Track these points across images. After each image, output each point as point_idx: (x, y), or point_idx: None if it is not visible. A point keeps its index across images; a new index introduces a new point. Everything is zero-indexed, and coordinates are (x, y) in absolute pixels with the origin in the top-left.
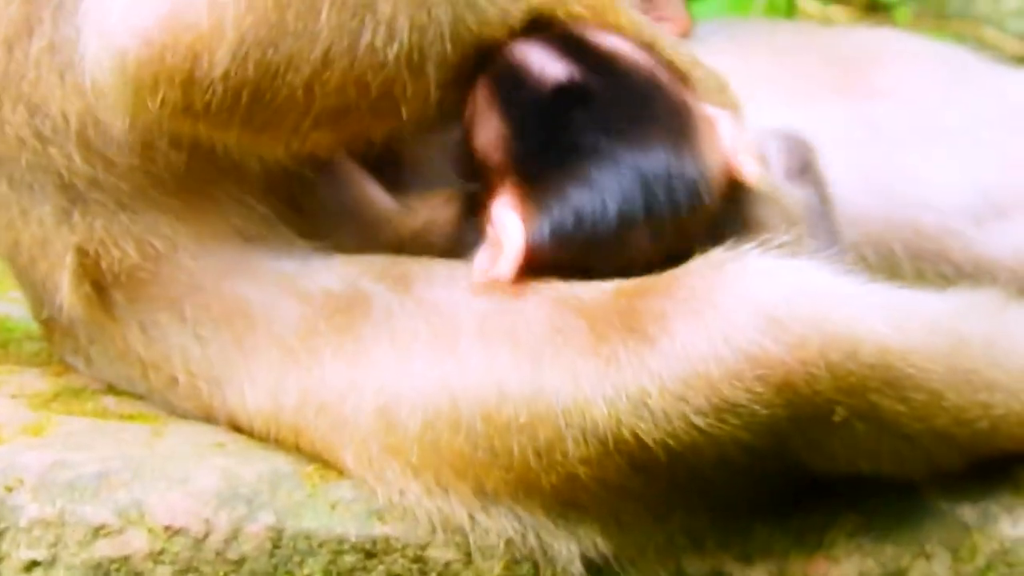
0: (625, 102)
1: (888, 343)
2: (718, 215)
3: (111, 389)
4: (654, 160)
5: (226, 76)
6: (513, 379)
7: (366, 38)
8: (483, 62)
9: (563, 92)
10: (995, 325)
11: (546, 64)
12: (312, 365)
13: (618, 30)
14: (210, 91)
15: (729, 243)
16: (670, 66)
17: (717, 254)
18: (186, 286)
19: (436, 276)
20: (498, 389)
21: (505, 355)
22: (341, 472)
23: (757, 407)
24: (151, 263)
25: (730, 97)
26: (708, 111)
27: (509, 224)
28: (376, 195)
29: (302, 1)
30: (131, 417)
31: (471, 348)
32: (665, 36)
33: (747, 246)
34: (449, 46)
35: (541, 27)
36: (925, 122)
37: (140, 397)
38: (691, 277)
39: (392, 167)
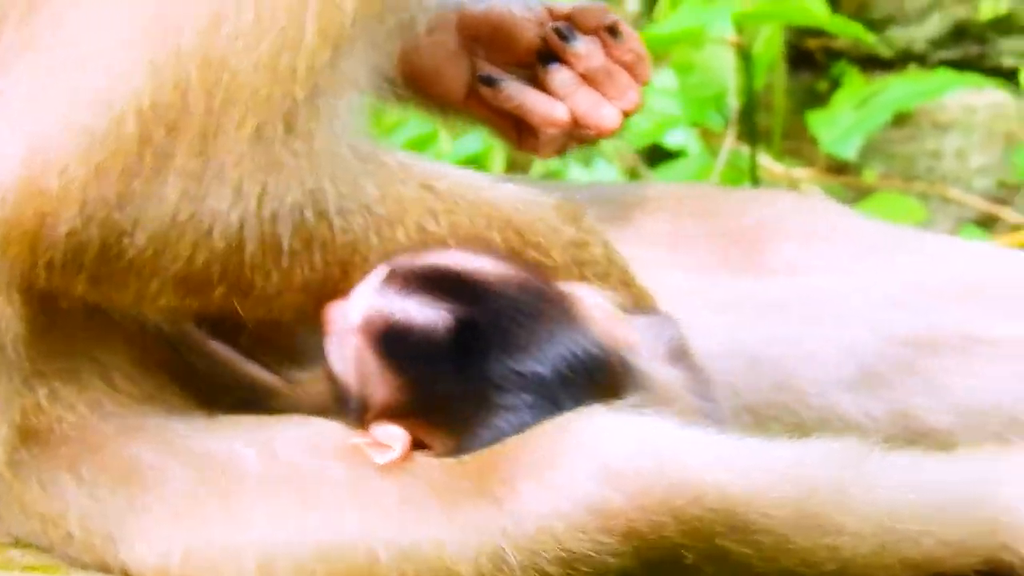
0: (506, 313)
1: (731, 489)
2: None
3: (18, 542)
4: (559, 359)
5: (71, 235)
6: (381, 543)
7: (211, 203)
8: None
9: (455, 335)
10: (847, 472)
11: (424, 311)
12: (195, 527)
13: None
14: (55, 249)
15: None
16: (523, 263)
17: (564, 416)
18: (86, 446)
19: (300, 440)
20: (368, 552)
21: (370, 521)
22: None
23: (606, 556)
24: (56, 424)
25: (636, 290)
26: (574, 291)
27: (395, 435)
28: (252, 370)
29: (149, 168)
30: (33, 568)
31: (338, 514)
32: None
33: (592, 406)
34: (315, 222)
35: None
36: (813, 301)
37: (45, 549)
38: (537, 439)
39: (267, 338)
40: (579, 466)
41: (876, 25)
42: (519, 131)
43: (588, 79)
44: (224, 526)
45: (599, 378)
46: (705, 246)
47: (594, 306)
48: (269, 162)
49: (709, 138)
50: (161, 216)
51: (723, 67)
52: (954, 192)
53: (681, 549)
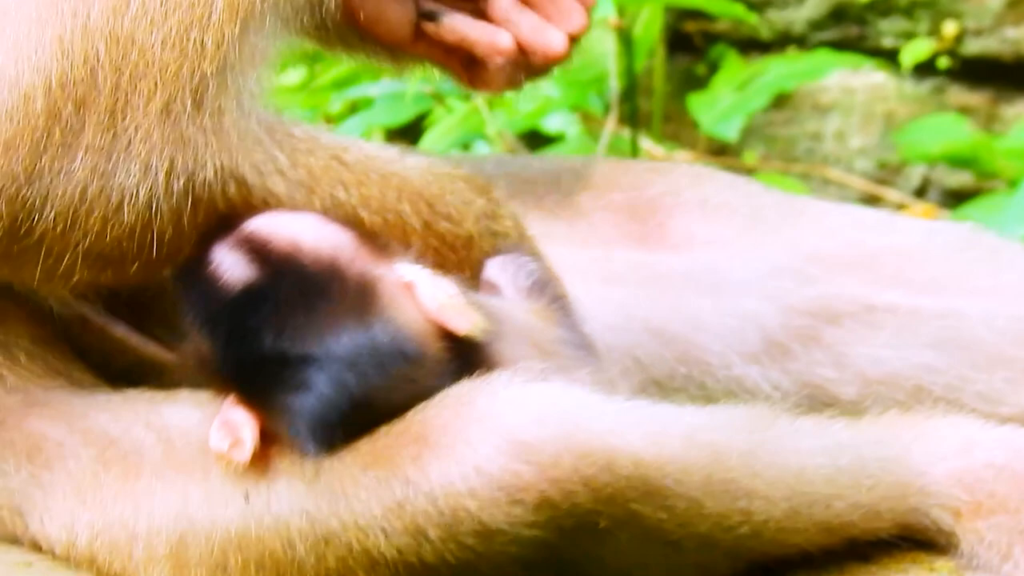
0: (300, 296)
1: (642, 455)
2: (446, 361)
3: None
4: (344, 344)
5: None
6: (296, 531)
7: (119, 178)
8: None
9: (240, 300)
10: (756, 437)
11: (223, 268)
12: (99, 508)
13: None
14: None
15: (477, 375)
16: (369, 239)
17: (465, 387)
18: None
19: (191, 423)
20: (284, 539)
21: (283, 508)
22: None
23: (520, 528)
24: None
25: (530, 245)
26: (405, 277)
27: (240, 423)
28: (146, 346)
29: (58, 144)
30: None
31: (247, 499)
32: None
33: (495, 376)
34: (220, 193)
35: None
36: (713, 273)
37: None
38: (441, 413)
39: (147, 310)
40: (486, 440)
41: (755, 7)
42: (469, 68)
43: (531, 4)
44: (129, 509)
45: (401, 365)
46: (605, 219)
47: (423, 293)
48: (177, 138)
49: (589, 122)
50: (70, 192)
51: (603, 51)
52: (835, 173)
53: (595, 516)
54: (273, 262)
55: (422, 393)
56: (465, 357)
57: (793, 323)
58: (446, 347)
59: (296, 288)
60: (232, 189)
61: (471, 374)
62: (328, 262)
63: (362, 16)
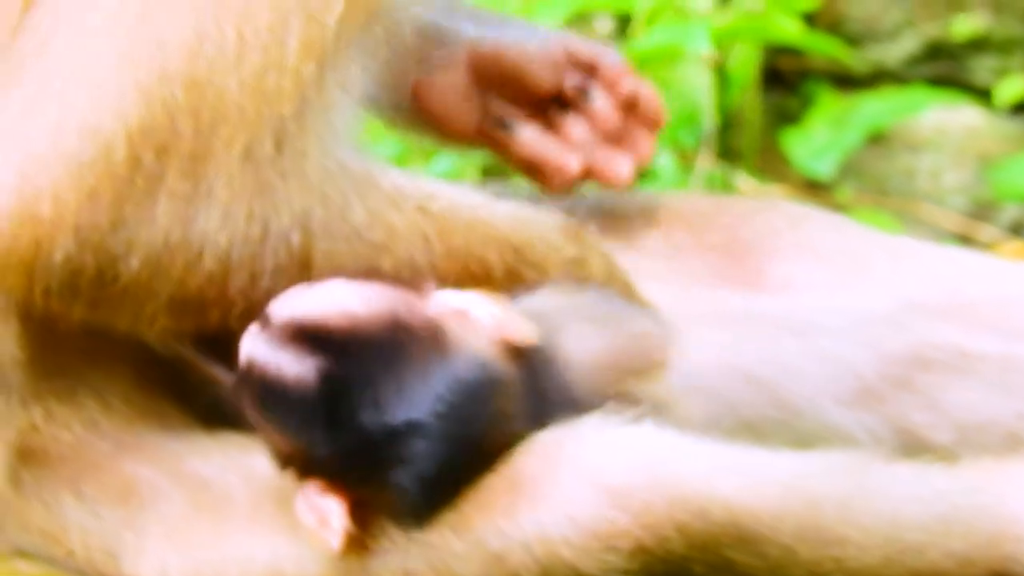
0: (382, 366)
1: (736, 502)
2: (524, 383)
3: (22, 554)
4: (439, 394)
5: (66, 261)
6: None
7: (200, 225)
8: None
9: (323, 392)
10: (851, 483)
11: (289, 368)
12: (190, 550)
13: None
14: (52, 276)
15: (567, 418)
16: (399, 282)
17: (554, 432)
18: (85, 464)
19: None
20: None
21: (372, 566)
22: None
23: (615, 574)
24: (52, 444)
25: (621, 281)
26: (456, 306)
27: (329, 510)
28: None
29: (140, 191)
30: None
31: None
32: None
33: (585, 420)
34: (301, 245)
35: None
36: (809, 318)
37: (50, 561)
38: (531, 463)
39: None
40: (578, 488)
41: (849, 42)
42: (531, 171)
43: (598, 122)
44: (219, 552)
45: (493, 395)
46: (701, 259)
47: (479, 314)
48: (258, 183)
49: (682, 157)
50: (153, 239)
51: (697, 86)
52: (929, 210)
53: (689, 563)
54: (339, 343)
55: (514, 431)
56: (537, 374)
57: (888, 369)
58: (518, 366)
59: (375, 360)
60: (299, 240)
61: (549, 391)
62: (391, 322)
63: (430, 108)
